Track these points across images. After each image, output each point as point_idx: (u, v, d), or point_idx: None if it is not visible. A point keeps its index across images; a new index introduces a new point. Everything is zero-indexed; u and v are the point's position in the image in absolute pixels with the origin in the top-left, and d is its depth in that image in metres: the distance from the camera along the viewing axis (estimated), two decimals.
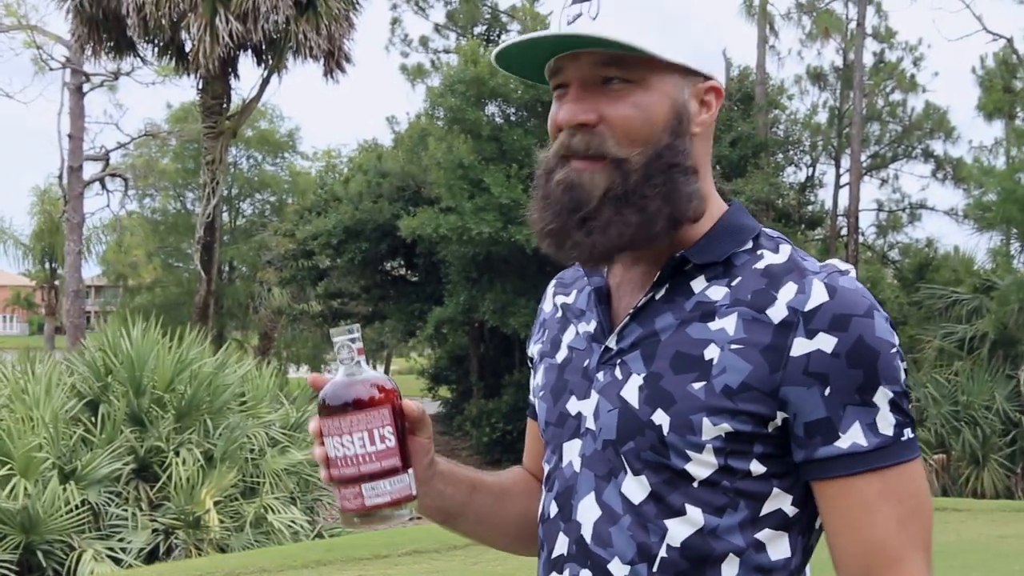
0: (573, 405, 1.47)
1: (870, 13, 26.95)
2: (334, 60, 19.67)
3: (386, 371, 48.25)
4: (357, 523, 1.42)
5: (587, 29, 1.34)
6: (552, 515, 1.48)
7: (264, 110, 34.74)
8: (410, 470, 1.42)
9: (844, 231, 27.36)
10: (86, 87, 27.70)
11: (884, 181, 30.70)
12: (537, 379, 1.61)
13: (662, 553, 1.33)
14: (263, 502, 11.28)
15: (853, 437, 1.28)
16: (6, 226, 39.50)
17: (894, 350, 1.30)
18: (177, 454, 10.51)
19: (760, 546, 1.33)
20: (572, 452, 1.45)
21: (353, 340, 1.42)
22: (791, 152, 28.72)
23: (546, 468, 1.53)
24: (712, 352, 1.32)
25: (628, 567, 1.35)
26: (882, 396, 1.28)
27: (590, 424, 1.43)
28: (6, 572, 8.68)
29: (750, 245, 1.41)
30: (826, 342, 1.28)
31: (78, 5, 18.92)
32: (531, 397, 1.70)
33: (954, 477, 16.38)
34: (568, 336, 1.55)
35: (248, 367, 13.25)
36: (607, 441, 1.39)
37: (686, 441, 1.31)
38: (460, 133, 21.52)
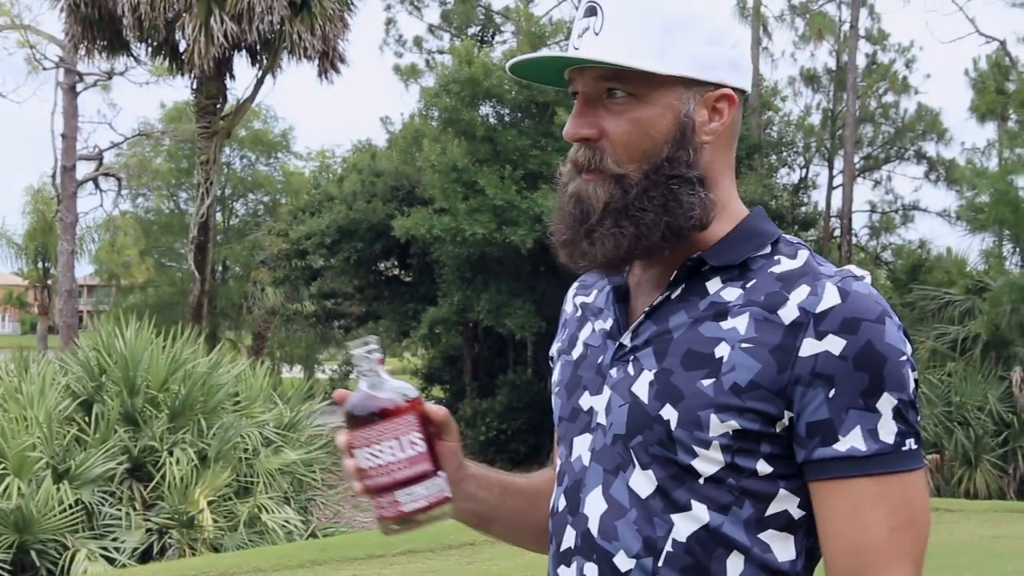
0: (586, 400, 1.49)
1: (863, 15, 27.02)
2: (328, 61, 19.68)
3: None
4: (396, 530, 1.44)
5: (589, 50, 1.38)
6: (560, 509, 1.49)
7: (258, 110, 34.75)
8: (442, 473, 1.44)
9: (837, 232, 27.42)
10: (79, 87, 27.69)
11: (877, 182, 30.79)
12: (555, 375, 1.63)
13: (667, 548, 1.34)
14: (257, 502, 11.28)
15: (852, 441, 1.28)
16: None
17: (903, 358, 1.31)
18: (171, 454, 10.51)
19: (765, 546, 1.34)
20: (582, 446, 1.47)
21: (372, 352, 1.44)
22: (784, 153, 28.78)
23: (558, 463, 1.55)
24: (723, 350, 1.34)
25: (634, 560, 1.36)
26: (886, 403, 1.29)
27: (601, 419, 1.44)
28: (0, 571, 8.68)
29: (768, 250, 1.42)
30: (835, 344, 1.29)
31: (72, 4, 18.89)
32: (553, 399, 1.72)
33: (947, 477, 16.42)
34: (584, 333, 1.57)
35: (242, 367, 13.25)
36: (617, 435, 1.41)
37: (693, 437, 1.32)
38: (454, 135, 21.54)
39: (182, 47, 18.88)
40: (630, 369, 1.42)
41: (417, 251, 25.81)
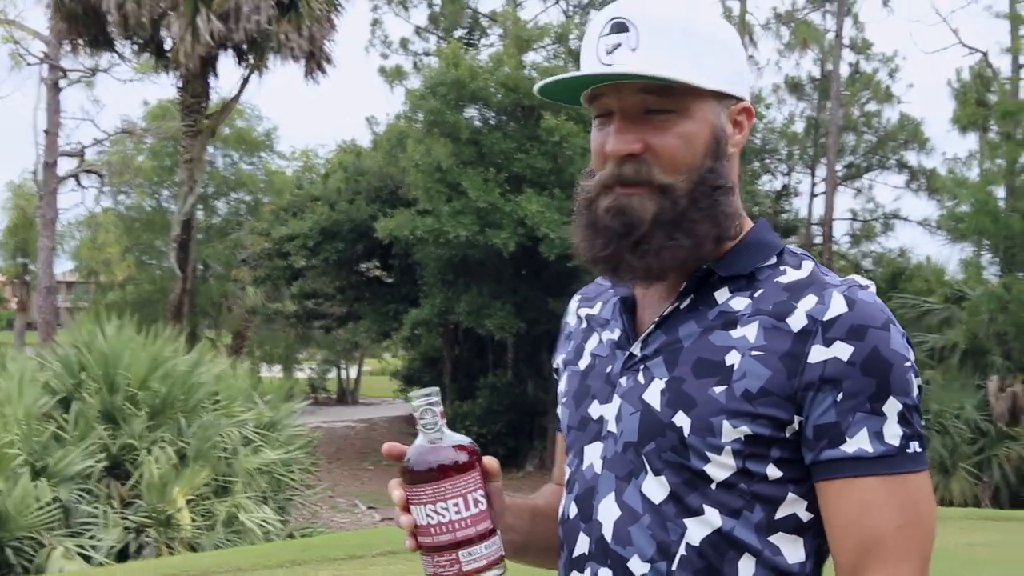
0: (595, 409, 1.51)
1: (847, 24, 27.16)
2: (315, 61, 19.69)
3: (358, 372, 48.16)
4: None
5: (632, 65, 1.38)
6: (572, 516, 1.52)
7: (241, 109, 34.63)
8: (499, 531, 1.43)
9: (818, 240, 27.55)
10: (63, 83, 27.58)
11: (859, 191, 30.96)
12: (561, 386, 1.64)
13: (681, 551, 1.37)
14: (235, 501, 11.25)
15: (859, 443, 1.32)
16: None
17: (908, 363, 1.35)
18: (150, 452, 10.46)
19: (775, 549, 1.37)
20: (593, 454, 1.49)
21: (435, 404, 1.41)
22: (767, 160, 28.91)
23: (568, 471, 1.57)
24: (733, 358, 1.37)
25: (648, 565, 1.39)
26: (892, 406, 1.32)
27: (612, 427, 1.47)
28: None
29: (774, 261, 1.46)
30: (843, 350, 1.32)
31: (57, 1, 18.83)
32: (559, 409, 1.74)
33: None
34: (591, 344, 1.59)
35: (223, 366, 13.21)
36: (628, 443, 1.43)
37: (706, 443, 1.35)
38: (439, 136, 21.53)
39: (168, 45, 18.88)
40: (640, 378, 1.45)
41: (399, 252, 25.79)
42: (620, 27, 1.40)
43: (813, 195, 28.62)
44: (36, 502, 9.26)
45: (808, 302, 1.37)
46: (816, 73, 29.37)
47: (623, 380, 1.47)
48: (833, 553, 1.38)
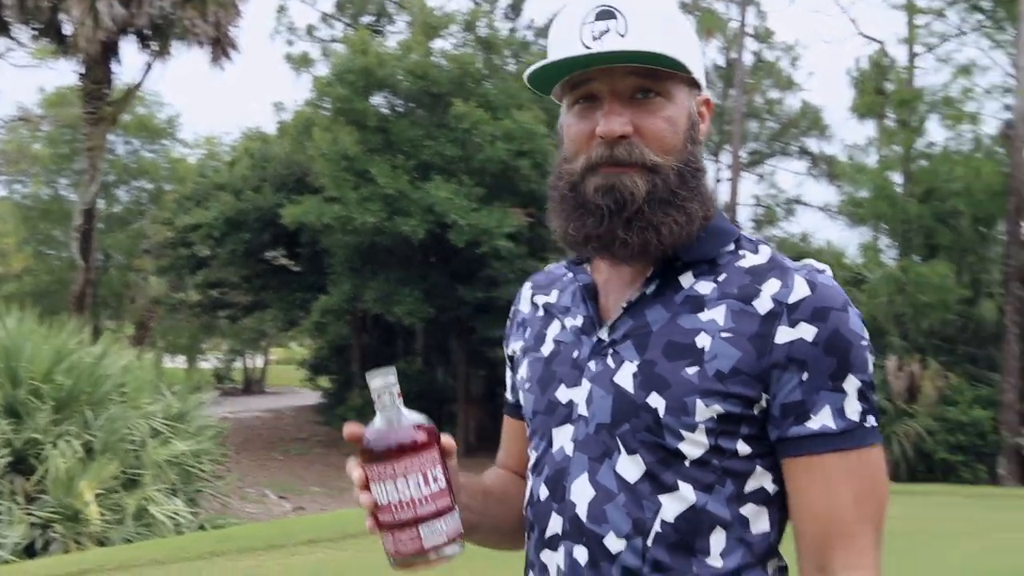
0: (563, 393, 1.54)
1: (751, 14, 27.60)
2: (221, 47, 19.36)
3: (265, 362, 47.64)
4: (413, 564, 1.43)
5: (638, 45, 1.42)
6: (543, 497, 1.55)
7: (142, 95, 33.93)
8: (457, 507, 1.45)
9: None
10: None
11: (761, 177, 31.53)
12: (521, 373, 1.67)
13: (656, 527, 1.42)
14: (145, 494, 11.08)
15: (823, 419, 1.39)
16: None
17: (864, 343, 1.43)
18: (55, 446, 10.25)
19: (744, 520, 1.43)
20: (563, 437, 1.53)
21: (392, 385, 1.43)
22: None
23: (533, 455, 1.60)
24: (704, 340, 1.43)
25: (624, 541, 1.43)
26: (851, 384, 1.40)
27: (582, 410, 1.50)
28: None
29: (732, 247, 1.52)
30: (807, 331, 1.40)
31: None
32: (508, 395, 1.78)
33: None
34: (553, 331, 1.63)
35: (129, 357, 12.99)
36: (600, 425, 1.47)
37: (681, 422, 1.41)
38: (346, 124, 21.37)
39: (67, 30, 18.38)
40: (610, 362, 1.49)
41: (306, 240, 25.56)
42: (607, 14, 1.44)
43: (717, 181, 29.06)
44: None
45: (772, 286, 1.43)
46: (720, 61, 29.79)
47: (592, 364, 1.51)
48: (797, 530, 1.45)
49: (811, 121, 29.15)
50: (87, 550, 9.21)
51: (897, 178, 23.62)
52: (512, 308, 1.79)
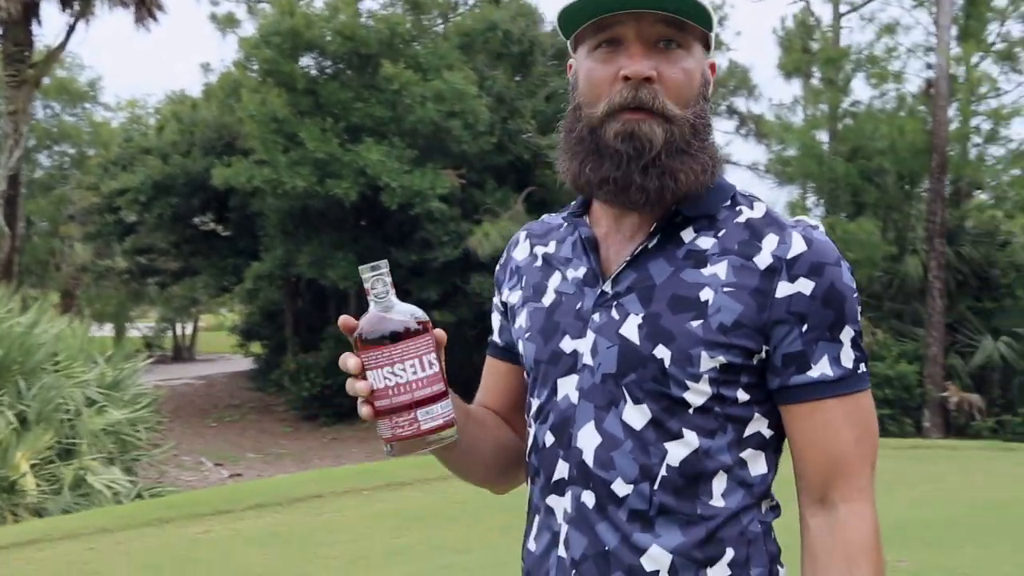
0: (567, 344, 1.59)
1: None
2: (146, 7, 19.00)
3: (195, 329, 47.14)
4: (410, 448, 1.46)
5: None
6: (548, 444, 1.60)
7: (62, 58, 33.20)
8: (450, 394, 1.49)
9: None
10: None
11: None
12: (520, 322, 1.70)
13: (662, 472, 1.49)
14: (82, 463, 10.98)
15: (822, 368, 1.49)
16: None
17: (855, 295, 1.52)
18: None
19: (743, 463, 1.52)
20: (568, 386, 1.58)
21: (384, 275, 1.46)
22: None
23: (535, 403, 1.64)
24: (707, 294, 1.49)
25: (631, 486, 1.50)
26: (846, 334, 1.50)
27: (587, 360, 1.56)
28: None
29: (729, 203, 1.58)
30: (805, 286, 1.48)
31: None
32: (496, 337, 1.82)
33: None
34: (554, 282, 1.67)
35: (61, 326, 12.80)
36: (607, 375, 1.53)
37: (686, 372, 1.48)
38: (274, 86, 21.11)
39: None
40: (614, 314, 1.54)
41: (236, 205, 25.27)
42: None
43: None
44: None
45: (771, 242, 1.50)
46: None
47: (596, 316, 1.56)
48: (799, 469, 1.54)
49: (739, 80, 29.35)
50: (25, 521, 9.11)
51: (824, 137, 23.96)
52: (504, 255, 1.83)
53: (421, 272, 22.48)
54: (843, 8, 25.36)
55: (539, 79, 24.61)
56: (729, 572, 1.50)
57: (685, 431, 1.49)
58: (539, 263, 1.72)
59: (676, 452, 1.49)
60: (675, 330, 1.49)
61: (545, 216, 1.82)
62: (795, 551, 1.56)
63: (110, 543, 6.15)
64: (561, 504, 1.58)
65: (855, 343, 1.51)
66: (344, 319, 1.48)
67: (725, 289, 1.49)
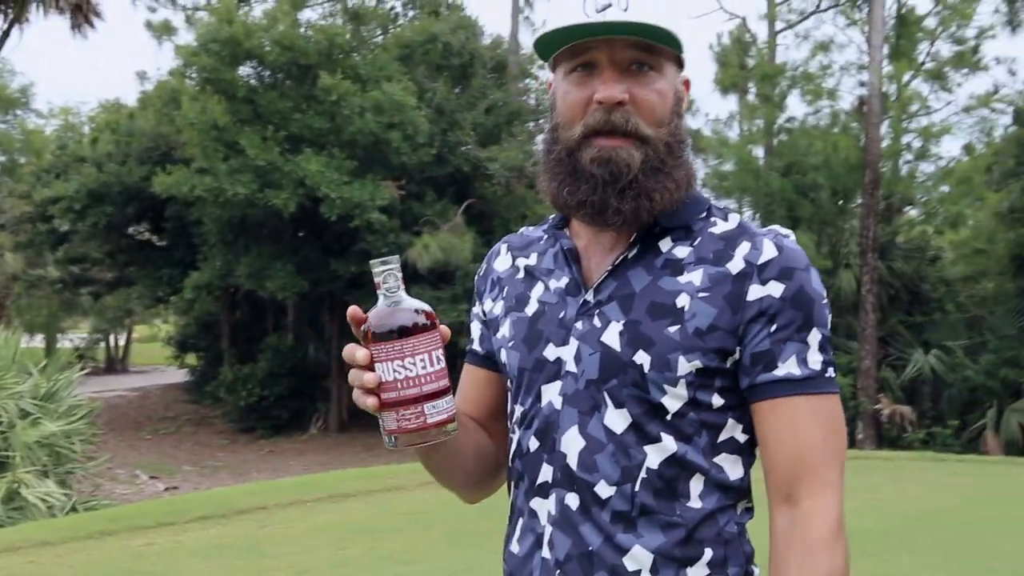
0: (551, 351, 1.65)
1: None
2: (83, 14, 18.73)
3: (128, 340, 46.50)
4: (414, 441, 1.49)
5: (642, 18, 1.52)
6: (533, 449, 1.65)
7: None
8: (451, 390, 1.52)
9: None
10: None
11: None
12: (503, 331, 1.75)
13: (642, 474, 1.55)
14: (15, 476, 10.81)
15: (788, 367, 1.54)
16: None
17: (824, 301, 1.58)
18: None
19: (719, 467, 1.58)
20: (552, 392, 1.63)
21: (395, 270, 1.49)
22: (542, 121, 29.45)
23: (519, 410, 1.69)
24: (683, 300, 1.56)
25: (614, 488, 1.56)
26: (814, 336, 1.55)
27: (571, 367, 1.61)
28: None
29: (705, 214, 1.65)
30: (775, 288, 1.54)
31: None
32: (476, 346, 1.87)
33: None
34: (536, 292, 1.72)
35: None
36: (590, 380, 1.59)
37: (664, 377, 1.54)
38: (214, 94, 20.94)
39: None
40: (596, 322, 1.60)
41: (172, 215, 25.01)
42: None
43: None
44: None
45: (743, 249, 1.57)
46: None
47: (579, 324, 1.62)
48: (767, 467, 1.58)
49: None
50: None
51: (759, 152, 24.31)
52: (483, 266, 1.88)
53: (360, 284, 22.40)
54: (779, 25, 25.80)
55: (479, 91, 24.70)
56: (708, 571, 1.56)
57: (663, 435, 1.55)
58: (521, 274, 1.77)
59: (655, 455, 1.55)
60: (654, 336, 1.55)
61: (524, 228, 1.88)
62: (766, 551, 1.61)
63: (51, 556, 6.06)
64: (545, 506, 1.63)
65: (822, 347, 1.56)
66: (353, 311, 1.50)
67: (700, 295, 1.55)
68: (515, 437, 1.71)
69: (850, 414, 18.73)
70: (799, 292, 1.54)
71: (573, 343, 1.62)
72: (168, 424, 26.02)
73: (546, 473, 1.63)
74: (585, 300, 1.63)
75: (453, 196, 23.29)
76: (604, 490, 1.56)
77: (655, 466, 1.55)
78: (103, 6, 20.03)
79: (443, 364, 1.49)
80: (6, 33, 19.19)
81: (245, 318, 28.78)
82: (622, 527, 1.56)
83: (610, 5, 1.53)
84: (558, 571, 1.60)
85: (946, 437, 18.75)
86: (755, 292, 1.54)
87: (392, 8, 26.99)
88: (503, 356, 1.75)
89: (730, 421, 1.59)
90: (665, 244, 1.61)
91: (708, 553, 1.56)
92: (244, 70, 22.24)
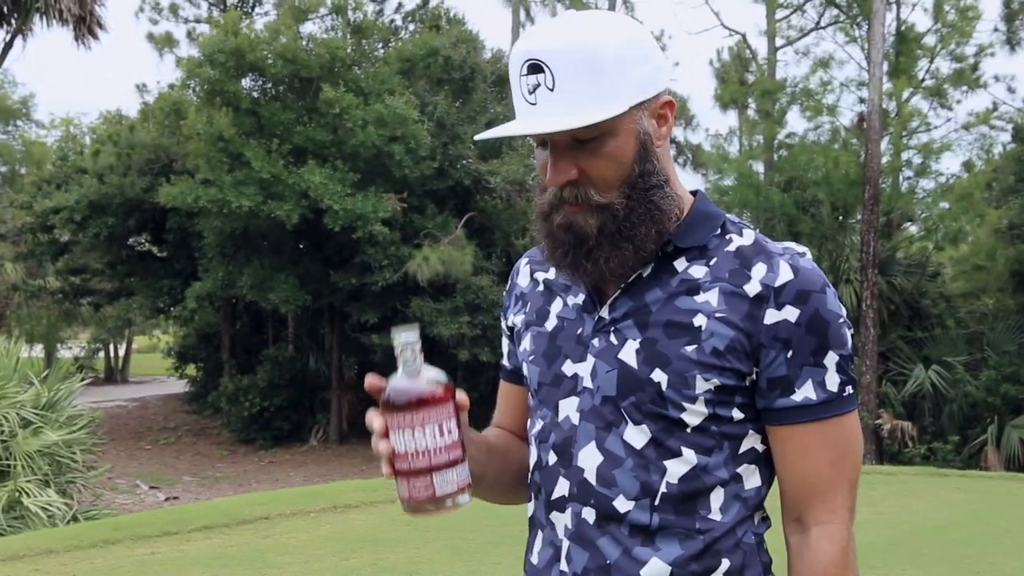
0: (568, 367, 1.68)
1: (618, 4, 28.01)
2: (86, 25, 18.75)
3: (127, 350, 46.46)
4: (429, 510, 1.54)
5: (552, 108, 1.51)
6: (550, 463, 1.68)
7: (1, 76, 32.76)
8: (467, 460, 1.56)
9: None
10: None
11: None
12: (524, 345, 1.79)
13: (663, 489, 1.57)
14: (17, 485, 10.80)
15: (805, 392, 1.56)
16: None
17: (841, 320, 1.59)
18: None
19: (739, 478, 1.61)
20: (569, 408, 1.66)
21: (414, 342, 1.52)
22: None
23: (539, 424, 1.73)
24: (700, 320, 1.57)
25: (633, 502, 1.58)
26: (831, 359, 1.57)
27: (588, 383, 1.64)
28: None
29: (719, 231, 1.65)
30: (791, 313, 1.55)
31: None
32: (506, 362, 1.91)
33: None
34: (556, 307, 1.75)
35: None
36: (606, 397, 1.61)
37: (682, 395, 1.56)
38: (220, 105, 20.97)
39: None
40: (613, 339, 1.63)
41: (173, 226, 25.03)
42: (535, 68, 1.52)
43: None
44: None
45: (759, 270, 1.58)
46: None
47: (595, 341, 1.64)
48: (780, 485, 1.63)
49: (677, 111, 29.74)
50: None
51: (760, 167, 24.35)
52: (509, 282, 1.91)
53: (361, 296, 22.42)
54: (779, 42, 25.86)
55: (479, 105, 24.76)
56: None
57: (684, 449, 1.57)
58: (541, 288, 1.81)
59: (675, 469, 1.57)
60: (671, 354, 1.57)
61: None
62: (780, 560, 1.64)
63: (55, 564, 6.07)
64: (562, 520, 1.65)
65: (840, 367, 1.58)
66: (371, 381, 1.54)
67: (717, 315, 1.56)
68: (535, 450, 1.74)
69: None
70: (814, 316, 1.55)
71: (590, 360, 1.65)
72: (168, 434, 26.00)
73: (562, 487, 1.65)
74: (600, 317, 1.65)
75: (454, 209, 23.34)
76: (623, 504, 1.59)
77: (675, 480, 1.57)
78: (106, 18, 20.04)
79: (456, 436, 1.53)
80: (9, 44, 19.21)
81: (245, 329, 28.77)
82: (640, 540, 1.58)
83: (538, 86, 1.52)
84: None
85: (947, 452, 18.75)
86: (771, 316, 1.55)
87: (392, 21, 27.08)
88: (525, 370, 1.79)
89: (750, 431, 1.61)
90: (680, 264, 1.63)
91: (726, 563, 1.59)
92: (246, 82, 22.29)
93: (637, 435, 1.58)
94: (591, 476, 1.61)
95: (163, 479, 19.91)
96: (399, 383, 1.52)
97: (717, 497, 1.58)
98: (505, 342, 1.91)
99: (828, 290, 1.58)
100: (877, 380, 19.66)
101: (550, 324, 1.74)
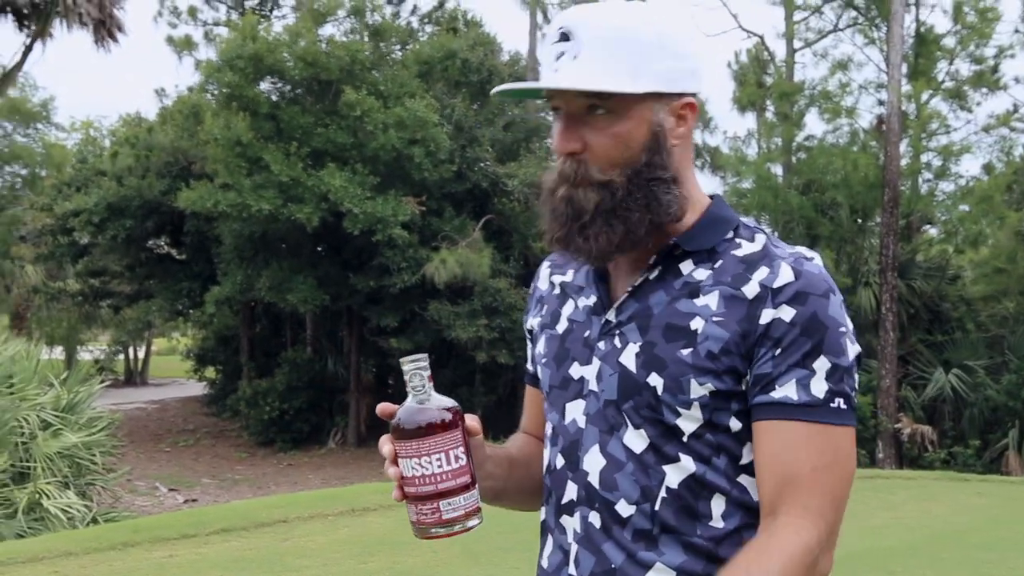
0: (576, 370, 1.68)
1: None
2: (106, 29, 18.84)
3: (147, 353, 46.67)
4: (438, 534, 1.57)
5: (571, 74, 1.54)
6: (559, 466, 1.69)
7: (16, 78, 32.89)
8: (477, 485, 1.58)
9: None
10: None
11: None
12: (538, 348, 1.81)
13: (662, 494, 1.56)
14: (36, 487, 10.86)
15: (786, 391, 1.51)
16: None
17: (842, 329, 1.54)
18: None
19: (742, 488, 1.57)
20: (576, 411, 1.67)
21: (423, 369, 1.55)
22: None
23: (549, 426, 1.74)
24: (697, 323, 1.56)
25: (634, 507, 1.58)
26: (822, 364, 1.51)
27: (593, 387, 1.64)
28: None
29: (731, 235, 1.64)
30: (786, 312, 1.52)
31: None
32: (529, 366, 1.91)
33: None
34: (567, 310, 1.76)
35: (17, 348, 12.67)
36: (609, 401, 1.61)
37: (677, 399, 1.55)
38: (237, 110, 21.03)
39: None
40: (616, 342, 1.63)
41: (192, 229, 25.11)
42: (564, 36, 1.56)
43: None
44: None
45: (761, 273, 1.56)
46: None
47: (601, 344, 1.64)
48: (757, 483, 1.56)
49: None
50: (6, 542, 8.98)
51: (778, 170, 24.28)
52: (532, 285, 1.92)
53: (379, 299, 22.45)
54: (796, 44, 25.76)
55: (497, 108, 24.76)
56: None
57: (682, 456, 1.56)
58: (557, 291, 1.81)
59: (674, 475, 1.56)
60: (667, 358, 1.56)
61: None
62: None
63: (74, 566, 6.09)
64: (571, 524, 1.65)
65: (831, 376, 1.52)
66: (382, 407, 1.57)
67: (714, 318, 1.55)
68: (546, 453, 1.75)
69: (870, 433, 18.65)
70: (811, 318, 1.51)
71: (595, 363, 1.64)
72: (187, 437, 26.09)
73: (571, 491, 1.66)
74: (607, 320, 1.65)
75: (471, 212, 23.34)
76: (625, 509, 1.58)
77: (675, 485, 1.56)
78: (125, 21, 20.13)
79: (464, 462, 1.55)
80: (29, 47, 19.32)
81: (264, 332, 28.86)
82: (644, 544, 1.57)
83: (563, 54, 1.55)
84: None
85: (967, 457, 18.65)
86: (767, 315, 1.52)
87: (408, 24, 27.10)
88: (539, 372, 1.79)
89: (749, 444, 1.57)
90: (687, 266, 1.62)
91: None
92: (264, 85, 22.33)
93: (637, 439, 1.58)
94: (595, 480, 1.61)
95: (182, 481, 19.98)
96: (408, 410, 1.55)
97: (718, 504, 1.57)
98: (529, 346, 1.91)
99: (832, 296, 1.54)
100: (897, 384, 19.57)
101: (561, 327, 1.74)
